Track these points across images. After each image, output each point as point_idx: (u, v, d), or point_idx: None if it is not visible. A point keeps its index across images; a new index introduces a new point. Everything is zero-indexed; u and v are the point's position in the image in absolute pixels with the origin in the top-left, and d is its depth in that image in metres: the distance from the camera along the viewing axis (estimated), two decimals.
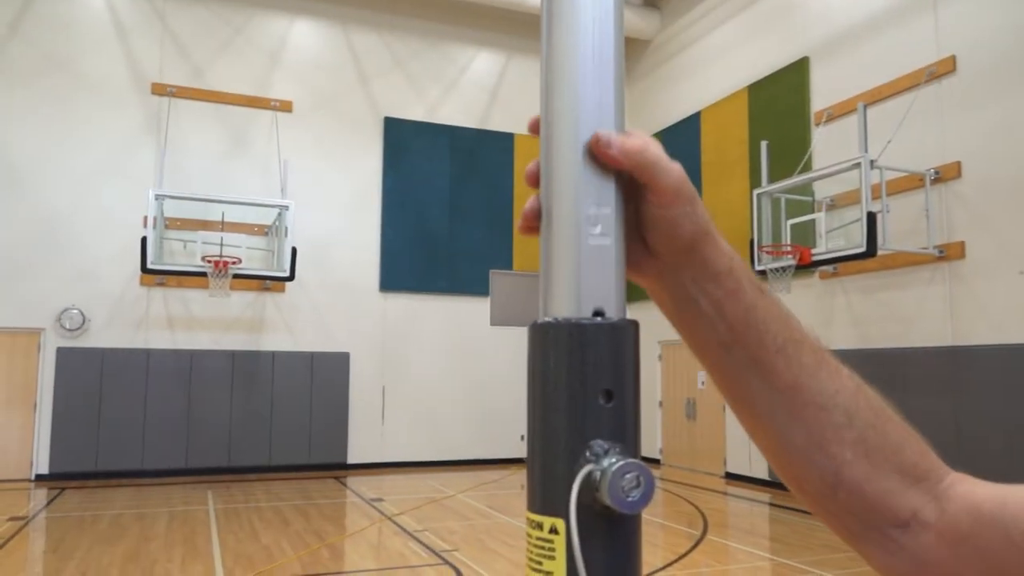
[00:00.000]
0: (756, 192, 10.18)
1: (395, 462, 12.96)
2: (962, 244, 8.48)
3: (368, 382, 12.94)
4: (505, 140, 14.12)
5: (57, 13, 11.83)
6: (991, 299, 8.15)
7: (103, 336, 11.59)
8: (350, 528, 8.24)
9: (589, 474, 0.49)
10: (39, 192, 11.49)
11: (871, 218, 8.30)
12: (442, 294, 13.61)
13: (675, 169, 0.55)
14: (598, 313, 0.52)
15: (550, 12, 0.56)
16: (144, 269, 10.47)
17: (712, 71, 12.75)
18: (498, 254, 13.92)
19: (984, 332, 8.18)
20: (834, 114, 10.21)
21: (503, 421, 13.33)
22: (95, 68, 11.96)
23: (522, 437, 12.76)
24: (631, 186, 0.55)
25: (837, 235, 9.64)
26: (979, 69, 8.40)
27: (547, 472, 0.51)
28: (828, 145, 10.19)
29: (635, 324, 0.54)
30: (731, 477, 11.70)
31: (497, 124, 14.13)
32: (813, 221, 9.90)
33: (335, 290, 12.90)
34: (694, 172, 12.50)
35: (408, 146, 13.59)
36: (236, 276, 11.06)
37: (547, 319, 0.53)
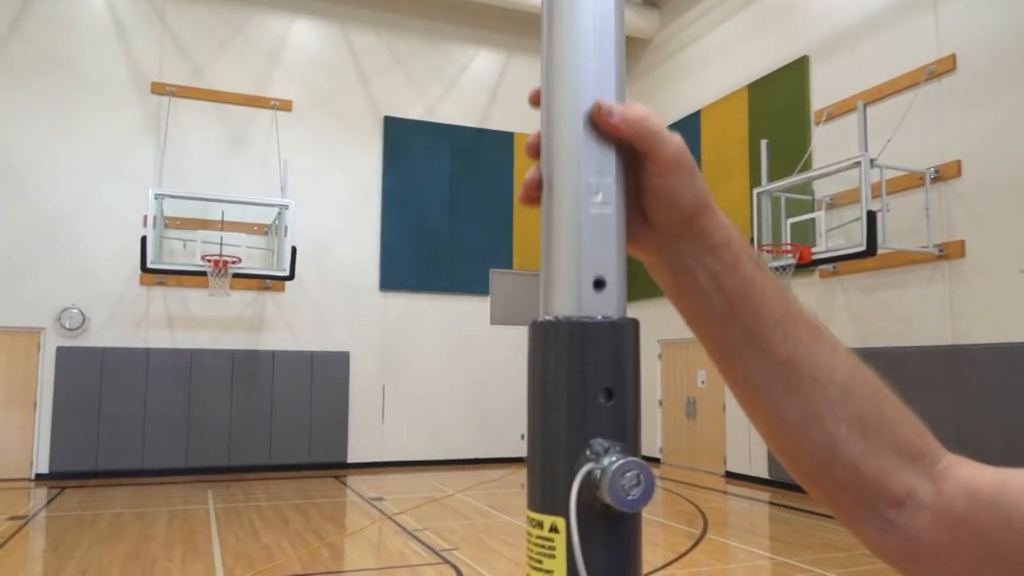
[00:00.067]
0: (756, 191, 10.18)
1: (395, 461, 12.96)
2: (962, 243, 8.48)
3: (368, 381, 12.94)
4: (505, 139, 14.11)
5: (57, 12, 11.83)
6: (991, 298, 8.15)
7: (103, 335, 11.59)
8: (350, 527, 8.24)
9: (589, 472, 0.49)
10: (39, 191, 11.49)
11: (871, 217, 8.30)
12: (442, 293, 13.61)
13: (675, 139, 0.55)
14: (599, 281, 0.53)
15: None
16: (144, 268, 10.48)
17: (712, 70, 12.75)
18: (498, 253, 13.92)
19: (984, 331, 8.18)
20: (834, 113, 10.21)
21: (503, 420, 13.34)
22: (95, 67, 11.96)
23: (522, 436, 12.77)
24: (631, 157, 0.55)
25: (837, 234, 9.64)
26: (979, 68, 8.40)
27: (547, 471, 0.51)
28: (828, 144, 10.19)
29: (635, 323, 0.54)
30: (731, 476, 11.70)
31: (497, 123, 14.13)
32: (813, 220, 9.90)
33: (335, 289, 12.91)
34: None
35: (408, 145, 13.59)
36: (236, 275, 11.07)
37: (547, 318, 0.53)
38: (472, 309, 13.67)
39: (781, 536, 7.88)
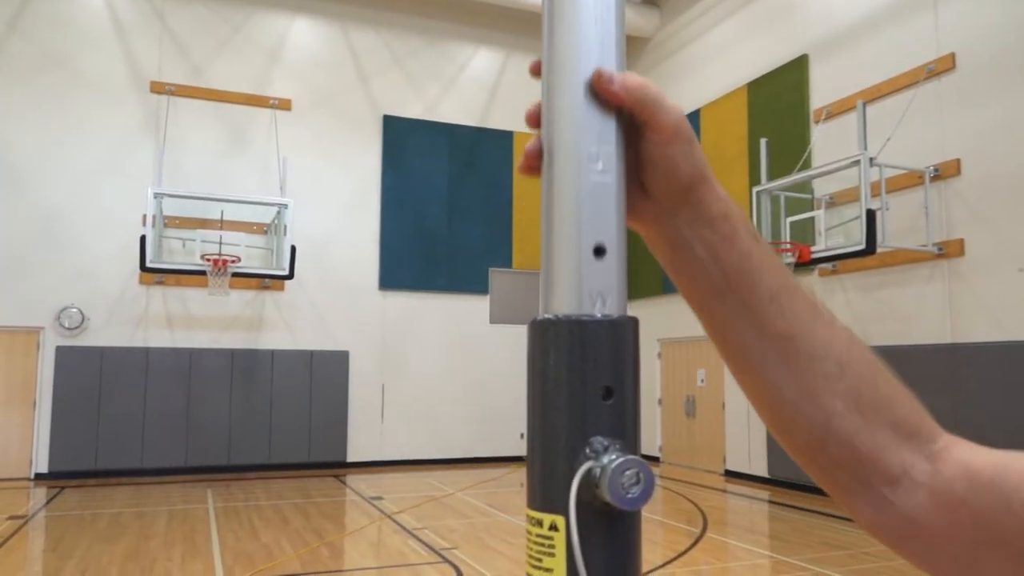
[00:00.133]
0: (755, 190, 10.18)
1: (395, 460, 12.97)
2: (961, 241, 8.48)
3: (368, 380, 12.94)
4: (504, 138, 14.11)
5: (56, 11, 11.82)
6: (990, 296, 8.15)
7: (102, 335, 11.59)
8: (350, 526, 8.25)
9: (589, 471, 0.49)
10: (38, 191, 11.48)
11: (870, 215, 8.31)
12: (441, 292, 13.61)
13: (674, 108, 0.56)
14: (599, 249, 0.53)
15: None
16: (143, 268, 10.47)
17: (711, 69, 12.75)
18: (497, 252, 13.92)
19: (983, 329, 8.19)
20: (833, 111, 10.21)
21: (503, 419, 13.34)
22: (94, 66, 11.95)
23: (522, 435, 12.78)
24: (630, 127, 0.56)
25: (836, 233, 9.65)
26: (978, 66, 8.40)
27: (547, 469, 0.51)
28: (827, 143, 10.19)
29: (635, 321, 0.54)
30: (730, 475, 11.71)
31: (496, 122, 14.13)
32: (812, 219, 9.90)
33: (334, 288, 12.90)
34: None
35: (407, 144, 13.59)
36: (235, 274, 11.06)
37: (547, 316, 0.53)
38: (471, 308, 13.68)
39: (780, 535, 7.88)
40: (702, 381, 12.59)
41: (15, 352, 11.30)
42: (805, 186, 10.13)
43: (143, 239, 10.36)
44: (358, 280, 13.10)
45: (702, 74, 12.95)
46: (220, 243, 11.29)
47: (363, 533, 7.82)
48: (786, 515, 8.85)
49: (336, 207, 13.05)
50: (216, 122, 12.53)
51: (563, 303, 0.53)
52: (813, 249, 9.35)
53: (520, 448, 13.12)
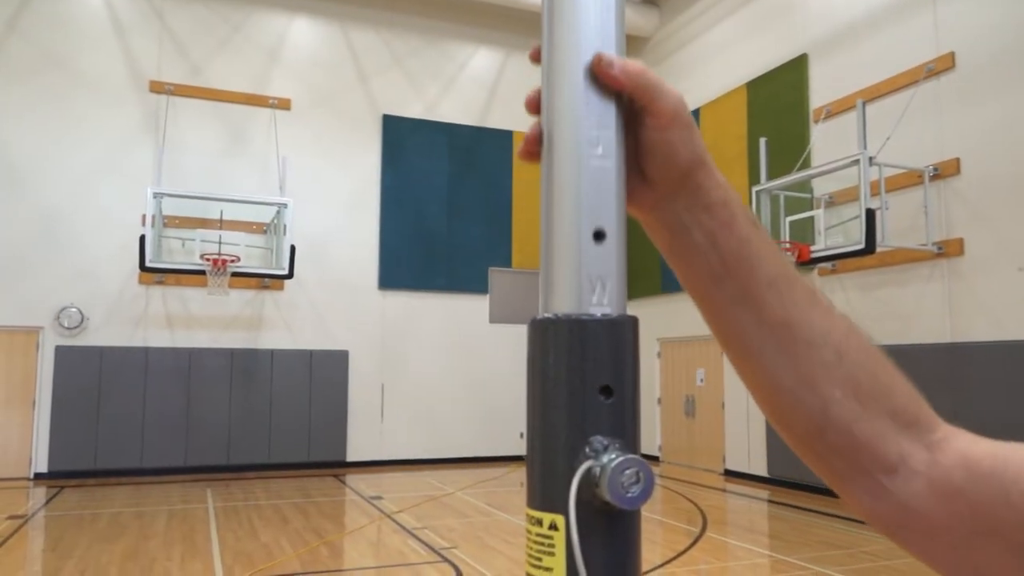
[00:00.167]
0: (755, 189, 10.18)
1: (394, 460, 12.97)
2: (961, 241, 8.48)
3: (367, 380, 12.94)
4: (504, 138, 14.11)
5: (55, 11, 11.81)
6: (990, 296, 8.16)
7: (102, 334, 11.58)
8: (349, 526, 8.25)
9: (589, 470, 0.49)
10: (37, 190, 11.47)
11: (870, 215, 8.31)
12: (441, 292, 13.61)
13: (674, 93, 0.56)
14: (599, 233, 0.53)
15: None
16: (142, 267, 10.47)
17: (711, 68, 12.75)
18: (497, 252, 13.93)
19: (983, 328, 8.19)
20: (833, 111, 10.21)
21: (502, 418, 13.34)
22: (93, 66, 11.95)
23: (521, 434, 12.77)
24: (630, 113, 0.56)
25: (836, 232, 9.65)
26: (978, 66, 8.40)
27: (547, 468, 0.51)
28: (827, 142, 10.19)
29: (634, 320, 0.54)
30: (730, 474, 11.71)
31: (496, 122, 14.13)
32: (812, 218, 9.90)
33: (334, 288, 12.90)
34: None
35: (407, 144, 13.59)
36: (235, 274, 11.06)
37: (547, 315, 0.53)
38: (471, 307, 13.68)
39: (780, 534, 7.89)
40: (702, 380, 12.59)
41: (14, 352, 11.29)
42: (805, 185, 10.13)
43: (142, 239, 10.35)
44: (357, 280, 13.10)
45: (701, 73, 12.95)
46: (219, 243, 11.29)
47: (363, 533, 7.82)
48: (785, 514, 8.85)
49: (335, 207, 13.04)
50: (215, 122, 12.52)
51: (563, 288, 0.53)
52: (813, 248, 9.36)
53: (520, 447, 13.12)
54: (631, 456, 0.49)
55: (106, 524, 8.02)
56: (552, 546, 0.50)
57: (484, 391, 13.53)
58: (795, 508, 9.06)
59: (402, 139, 13.56)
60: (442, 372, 13.44)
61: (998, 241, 8.10)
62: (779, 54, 11.27)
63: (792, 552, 6.89)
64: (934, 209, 8.76)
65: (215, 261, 10.82)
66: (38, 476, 11.12)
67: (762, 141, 10.50)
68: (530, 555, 0.51)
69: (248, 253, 11.73)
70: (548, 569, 0.50)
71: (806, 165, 10.25)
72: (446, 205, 13.77)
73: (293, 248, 11.11)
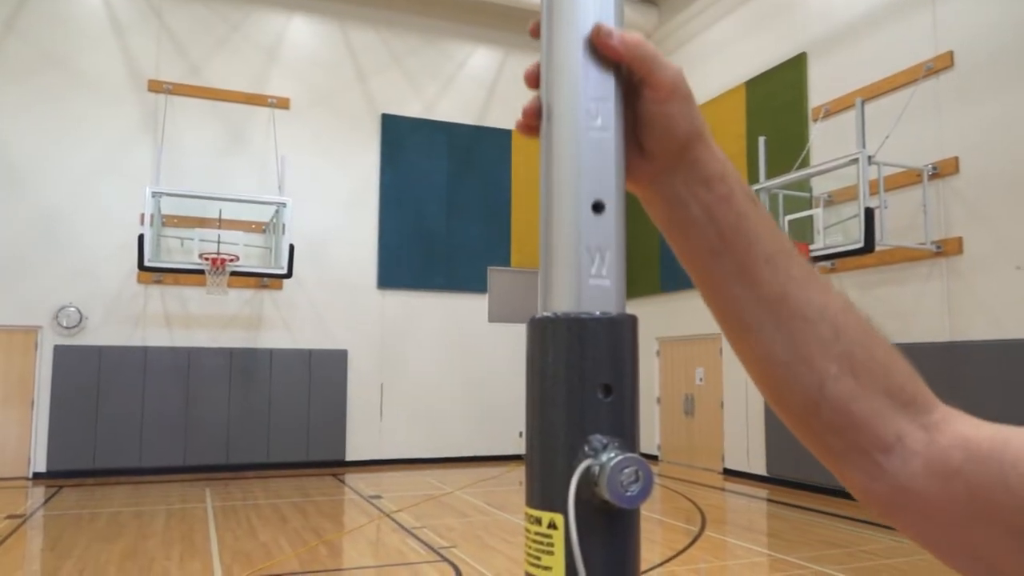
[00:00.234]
0: (754, 188, 10.17)
1: (393, 459, 12.97)
2: (959, 240, 8.49)
3: (366, 379, 12.94)
4: (503, 137, 14.11)
5: (53, 10, 11.80)
6: (988, 294, 8.16)
7: (100, 334, 11.58)
8: (348, 525, 8.24)
9: (588, 469, 0.49)
10: (36, 190, 11.46)
11: (869, 214, 8.31)
12: (440, 291, 13.61)
13: (672, 65, 0.56)
14: (598, 205, 0.53)
15: None
16: (141, 267, 10.46)
17: (710, 67, 12.75)
18: (496, 251, 13.92)
19: (981, 327, 8.20)
20: (832, 110, 10.22)
21: (501, 418, 13.34)
22: (92, 65, 11.93)
23: (520, 433, 12.77)
24: (629, 85, 0.56)
25: (835, 231, 9.65)
26: (977, 64, 8.41)
27: (546, 467, 0.51)
28: (826, 141, 10.19)
29: (633, 319, 0.53)
30: (729, 473, 11.71)
31: (495, 121, 14.12)
32: (811, 217, 9.91)
33: (333, 287, 12.90)
34: None
35: (405, 143, 13.58)
36: (234, 273, 11.06)
37: (546, 314, 0.53)
38: (470, 307, 13.68)
39: (779, 533, 7.89)
40: (701, 380, 12.59)
41: (13, 351, 11.29)
42: (803, 184, 10.13)
43: (141, 238, 10.35)
44: (357, 279, 13.10)
45: (700, 72, 12.95)
46: (218, 242, 11.28)
47: (362, 532, 7.82)
48: (784, 513, 8.86)
49: (334, 206, 13.04)
50: (214, 121, 12.51)
51: (562, 258, 0.53)
52: (811, 247, 9.36)
53: (519, 446, 13.12)
54: (630, 455, 0.49)
55: (105, 523, 8.02)
56: (551, 545, 0.50)
57: (483, 390, 13.53)
58: (794, 507, 9.06)
59: (401, 138, 13.56)
60: (441, 371, 13.44)
61: (997, 240, 8.11)
62: (778, 53, 11.27)
63: (791, 551, 6.89)
64: (933, 208, 8.76)
65: (214, 260, 10.82)
66: (37, 475, 11.11)
67: (761, 140, 10.51)
68: (529, 554, 0.51)
69: (247, 252, 11.72)
70: (547, 568, 0.50)
71: (805, 164, 10.25)
72: (445, 204, 13.76)
73: (292, 247, 11.10)
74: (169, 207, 11.39)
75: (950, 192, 8.63)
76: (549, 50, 0.55)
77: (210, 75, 12.57)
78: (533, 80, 0.57)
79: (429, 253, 13.56)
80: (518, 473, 11.96)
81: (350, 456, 12.68)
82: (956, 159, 8.55)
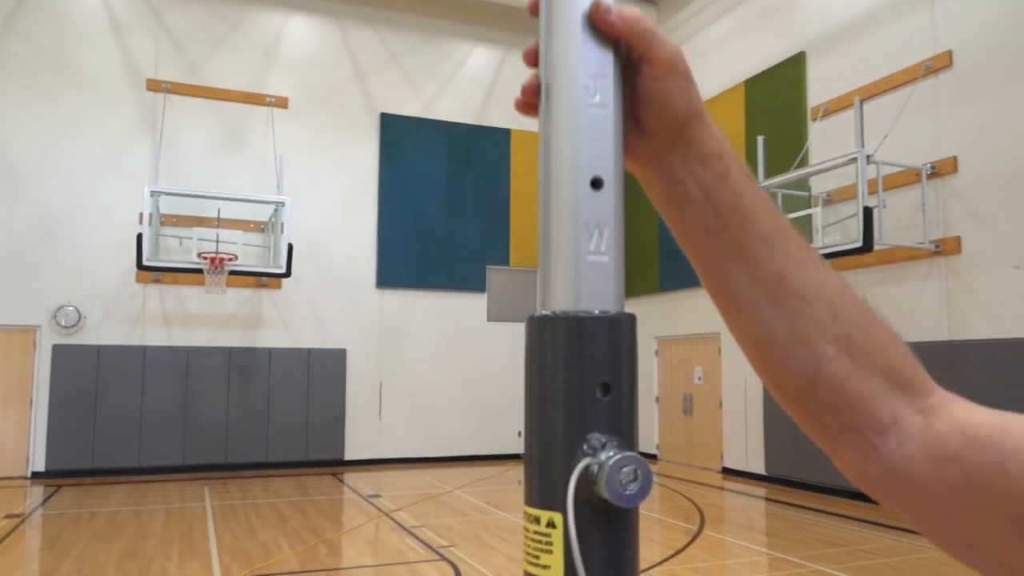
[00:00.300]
0: None
1: (392, 458, 12.97)
2: (958, 239, 8.49)
3: (365, 378, 12.94)
4: (501, 136, 14.10)
5: (52, 9, 11.79)
6: (987, 293, 8.17)
7: (99, 333, 11.57)
8: (347, 524, 8.24)
9: (587, 467, 0.49)
10: (34, 189, 11.45)
11: (867, 213, 8.31)
12: (439, 290, 13.61)
13: (671, 42, 0.56)
14: (596, 181, 0.53)
15: None
16: (140, 266, 10.46)
17: (709, 66, 12.74)
18: (495, 250, 13.92)
19: (980, 326, 8.20)
20: (830, 109, 10.22)
21: (500, 417, 13.34)
22: (90, 64, 11.92)
23: (519, 433, 12.77)
24: (627, 62, 0.56)
25: (833, 230, 9.65)
26: (975, 63, 8.41)
27: (545, 466, 0.51)
28: (824, 140, 10.19)
29: (632, 318, 0.53)
30: (728, 472, 11.72)
31: (493, 120, 14.12)
32: (809, 216, 9.90)
33: (332, 286, 12.90)
34: None
35: (404, 142, 13.58)
36: (232, 273, 11.05)
37: (545, 312, 0.53)
38: (469, 306, 13.67)
39: (777, 532, 7.90)
40: (699, 379, 12.60)
41: (12, 351, 11.28)
42: (802, 183, 10.14)
43: (140, 237, 10.34)
44: (355, 278, 13.09)
45: (699, 71, 12.89)
46: (217, 241, 11.28)
47: (361, 531, 7.82)
48: (783, 512, 8.87)
49: (333, 205, 13.03)
50: (213, 120, 12.50)
51: (561, 233, 0.53)
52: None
53: (518, 446, 13.12)
54: (629, 454, 0.49)
55: (103, 523, 8.02)
56: (550, 544, 0.50)
57: (482, 389, 13.53)
58: (793, 506, 9.07)
59: (400, 137, 13.55)
60: (440, 370, 13.44)
61: (995, 239, 8.11)
62: (777, 52, 11.27)
63: (790, 550, 6.90)
64: (931, 207, 8.77)
65: (212, 260, 10.81)
66: (35, 475, 11.10)
67: (760, 139, 10.51)
68: (528, 553, 0.51)
69: (245, 251, 11.72)
70: (546, 567, 0.50)
71: (804, 163, 10.25)
72: (444, 203, 13.76)
73: (291, 246, 11.10)
74: (168, 206, 11.38)
75: (949, 191, 8.63)
76: (548, 27, 0.55)
77: (209, 74, 12.56)
78: (532, 58, 0.57)
79: (428, 252, 13.55)
80: (517, 472, 11.97)
81: (349, 455, 12.68)
82: (955, 158, 8.55)
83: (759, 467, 10.97)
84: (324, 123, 13.15)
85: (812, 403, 0.59)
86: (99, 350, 11.49)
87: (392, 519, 8.28)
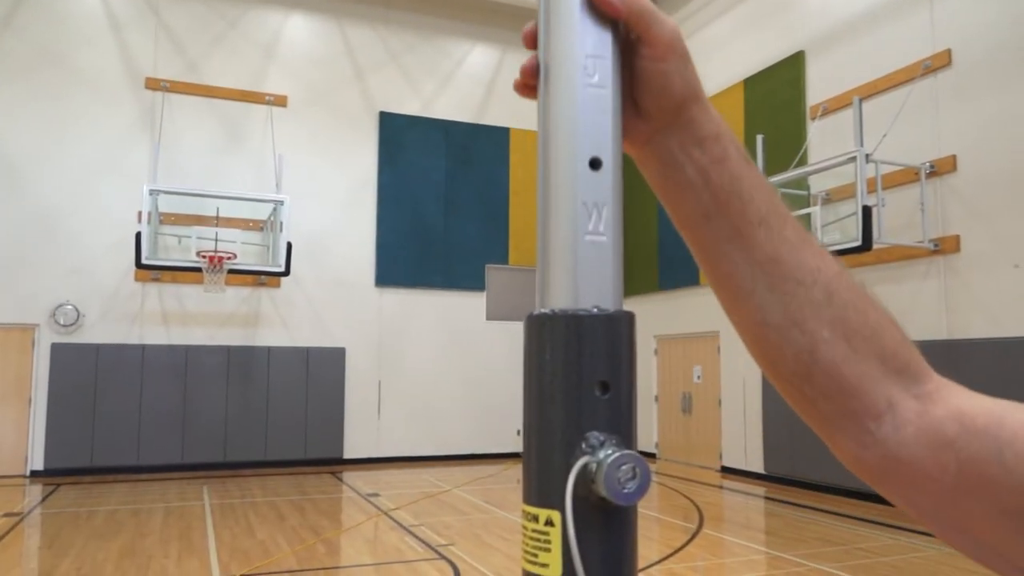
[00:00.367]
0: None
1: (391, 457, 12.97)
2: (957, 238, 8.49)
3: (364, 377, 12.94)
4: (500, 134, 14.10)
5: (51, 7, 11.77)
6: (986, 293, 8.17)
7: (97, 332, 11.56)
8: (346, 523, 8.25)
9: (585, 466, 0.49)
10: (33, 187, 11.44)
11: (866, 212, 8.31)
12: (438, 289, 13.61)
13: (670, 22, 0.56)
14: (595, 161, 0.53)
15: None
16: (139, 264, 10.45)
17: (708, 65, 12.73)
18: (494, 249, 13.92)
19: (979, 326, 8.21)
20: (830, 108, 10.22)
21: (499, 415, 13.35)
22: (89, 63, 11.91)
23: (518, 431, 12.78)
24: (626, 44, 0.56)
25: (832, 229, 9.66)
26: (974, 62, 8.41)
27: (543, 464, 0.51)
28: (823, 139, 10.19)
29: (631, 316, 0.53)
30: (727, 471, 11.72)
31: (492, 118, 14.12)
32: (808, 215, 9.91)
33: (330, 285, 12.89)
34: None
35: (403, 141, 13.57)
36: (231, 271, 11.05)
37: (543, 311, 0.53)
38: (468, 305, 13.67)
39: (776, 530, 7.90)
40: (698, 378, 12.60)
41: (10, 349, 11.27)
42: (801, 182, 10.14)
43: (138, 236, 10.34)
44: (354, 277, 13.09)
45: (698, 70, 12.83)
46: (216, 240, 11.27)
47: (359, 530, 7.82)
48: (782, 511, 8.87)
49: (332, 204, 13.03)
50: (212, 119, 12.50)
51: (559, 213, 0.53)
52: None
53: (517, 444, 13.12)
54: (627, 452, 0.49)
55: (102, 521, 8.02)
56: (548, 542, 0.50)
57: (481, 388, 13.53)
58: (791, 505, 9.07)
59: (399, 136, 13.55)
60: (439, 369, 13.44)
61: (994, 238, 8.12)
62: (776, 51, 11.27)
63: (788, 548, 6.90)
64: (931, 206, 8.77)
65: (211, 258, 10.81)
66: (34, 473, 11.10)
67: (759, 138, 10.50)
68: (526, 551, 0.51)
69: (244, 250, 11.71)
70: (544, 565, 0.50)
71: (803, 162, 10.25)
72: (443, 202, 13.76)
73: (290, 245, 11.09)
74: (166, 205, 11.37)
75: (948, 190, 8.63)
76: (547, 7, 0.55)
77: (208, 73, 12.55)
78: (531, 39, 0.57)
79: (427, 251, 13.55)
80: (516, 471, 11.97)
81: (348, 454, 12.68)
82: (954, 157, 8.55)
83: (758, 466, 10.98)
84: (323, 122, 13.14)
85: (808, 388, 0.59)
86: (98, 348, 11.48)
87: (391, 518, 8.29)
